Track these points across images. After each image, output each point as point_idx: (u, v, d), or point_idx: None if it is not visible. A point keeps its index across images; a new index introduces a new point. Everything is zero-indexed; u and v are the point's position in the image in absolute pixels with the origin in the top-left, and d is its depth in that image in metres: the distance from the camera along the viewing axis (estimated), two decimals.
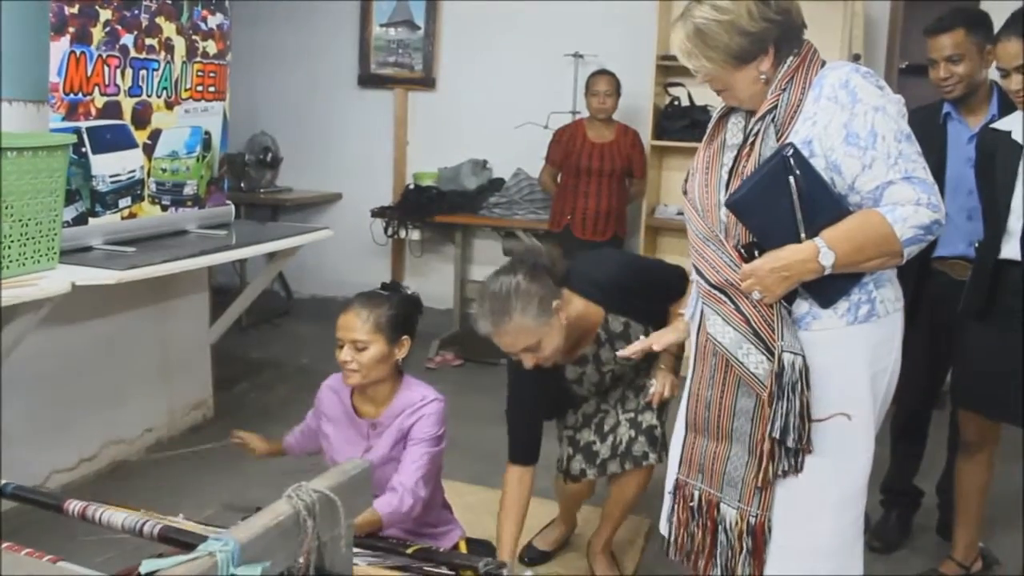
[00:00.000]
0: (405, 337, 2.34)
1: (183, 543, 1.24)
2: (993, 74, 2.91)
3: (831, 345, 1.91)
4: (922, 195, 1.80)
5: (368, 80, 5.90)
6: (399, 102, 5.87)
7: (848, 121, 1.83)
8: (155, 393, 3.86)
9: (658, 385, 2.57)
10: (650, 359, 2.66)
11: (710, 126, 2.09)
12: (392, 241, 5.71)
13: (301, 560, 1.15)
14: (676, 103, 5.05)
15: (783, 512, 1.95)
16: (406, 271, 6.00)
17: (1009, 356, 2.53)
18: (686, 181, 2.11)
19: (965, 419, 2.79)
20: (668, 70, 5.00)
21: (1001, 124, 2.60)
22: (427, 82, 5.78)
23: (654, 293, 2.59)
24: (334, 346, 2.35)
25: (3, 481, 1.48)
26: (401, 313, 2.34)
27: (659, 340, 2.28)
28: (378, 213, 5.49)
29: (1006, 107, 2.75)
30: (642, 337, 2.36)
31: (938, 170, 2.94)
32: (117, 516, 1.33)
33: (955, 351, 2.80)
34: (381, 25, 5.82)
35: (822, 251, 1.81)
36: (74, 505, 1.38)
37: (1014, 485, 2.92)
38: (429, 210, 5.35)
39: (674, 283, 2.57)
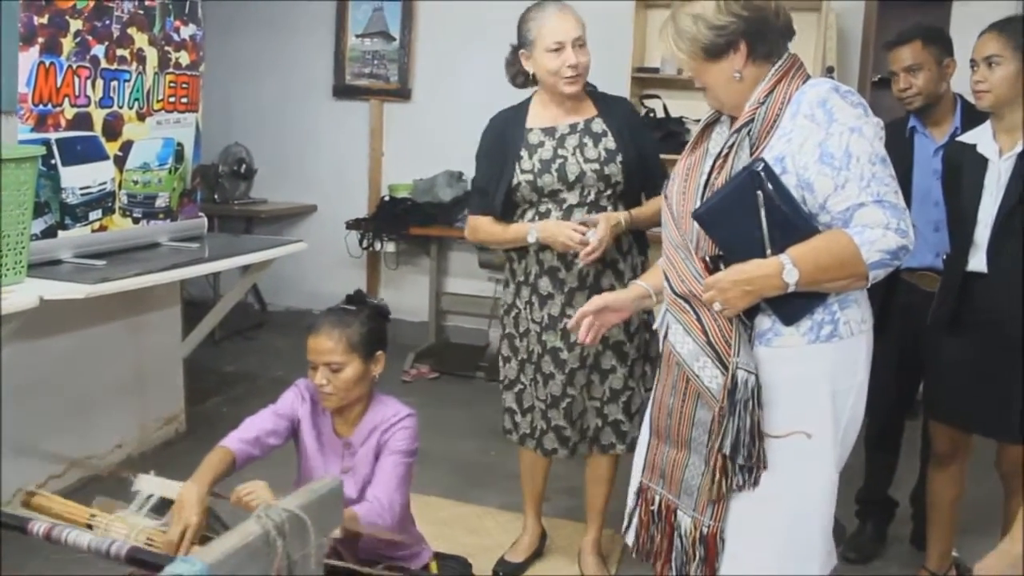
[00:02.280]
0: (380, 352, 2.30)
1: (150, 564, 1.22)
2: (955, 87, 2.97)
3: (791, 362, 1.91)
4: (892, 220, 1.80)
5: (343, 91, 5.88)
6: (374, 113, 5.85)
7: (823, 140, 1.83)
8: (126, 408, 3.82)
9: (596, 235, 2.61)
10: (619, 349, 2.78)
11: (695, 132, 2.11)
12: (367, 253, 5.68)
13: None
14: (652, 115, 5.06)
15: (736, 524, 1.96)
16: (381, 283, 5.97)
17: (979, 368, 2.56)
18: (666, 186, 2.12)
19: (936, 430, 2.81)
20: (643, 82, 5.03)
21: (967, 137, 2.65)
22: (403, 93, 5.77)
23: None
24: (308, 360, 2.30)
25: None
26: (373, 328, 2.29)
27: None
28: (353, 225, 5.47)
29: (970, 120, 2.80)
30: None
31: (905, 182, 2.98)
32: (83, 537, 1.31)
33: (926, 363, 2.83)
34: (356, 36, 5.81)
35: (786, 268, 1.81)
36: (38, 526, 1.35)
37: (986, 494, 2.95)
38: (404, 222, 5.33)
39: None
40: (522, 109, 2.82)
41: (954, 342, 2.63)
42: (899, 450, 3.22)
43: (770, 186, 1.82)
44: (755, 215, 1.83)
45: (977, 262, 2.54)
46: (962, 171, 2.60)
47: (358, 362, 2.23)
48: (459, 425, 4.25)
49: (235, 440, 2.22)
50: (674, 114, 5.00)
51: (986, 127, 2.58)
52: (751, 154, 1.89)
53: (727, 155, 1.92)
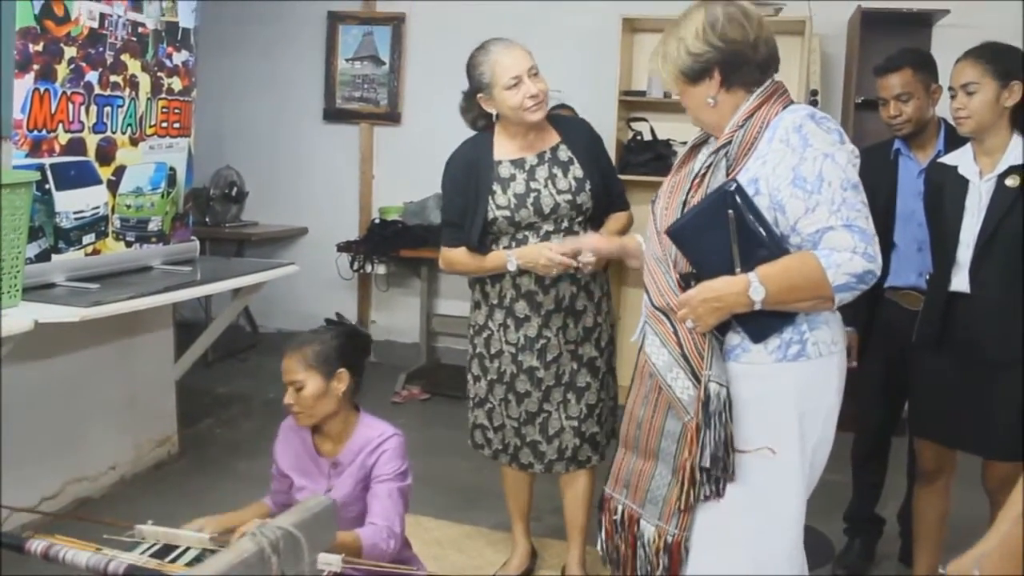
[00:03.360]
0: (342, 370, 2.31)
1: None
2: (940, 111, 3.03)
3: (758, 379, 1.96)
4: (859, 244, 1.85)
5: (334, 114, 5.93)
6: (364, 137, 5.90)
7: (797, 164, 1.89)
8: (119, 429, 3.83)
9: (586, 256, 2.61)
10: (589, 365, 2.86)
11: (682, 154, 2.18)
12: (358, 275, 5.71)
13: None
14: (639, 137, 5.13)
15: (700, 535, 2.00)
16: (372, 305, 6.00)
17: (963, 385, 2.59)
18: (653, 202, 2.18)
19: (922, 448, 2.84)
20: (631, 105, 5.09)
21: (948, 159, 2.69)
22: (392, 117, 5.83)
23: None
24: None
25: None
26: (336, 346, 2.33)
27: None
28: (344, 248, 5.50)
29: (952, 143, 2.85)
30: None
31: (889, 204, 3.04)
32: (81, 555, 1.33)
33: (911, 381, 2.87)
34: (347, 60, 5.87)
35: (753, 285, 1.87)
36: (36, 544, 1.38)
37: (973, 511, 2.98)
38: (395, 244, 5.36)
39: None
40: (486, 141, 2.85)
41: (937, 360, 2.66)
42: (886, 468, 3.25)
43: (741, 206, 1.88)
44: (725, 234, 1.89)
45: (959, 282, 2.58)
46: (944, 192, 2.65)
47: (318, 379, 2.28)
48: (450, 446, 4.26)
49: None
50: (661, 136, 5.06)
51: (967, 149, 2.63)
52: (727, 175, 1.95)
53: (704, 175, 2.00)
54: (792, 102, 2.01)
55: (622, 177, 5.03)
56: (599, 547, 2.22)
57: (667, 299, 2.00)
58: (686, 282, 1.96)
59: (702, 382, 1.92)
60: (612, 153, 4.99)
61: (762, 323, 1.93)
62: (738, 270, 1.89)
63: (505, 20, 5.19)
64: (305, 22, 5.86)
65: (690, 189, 2.02)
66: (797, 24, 4.68)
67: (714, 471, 1.93)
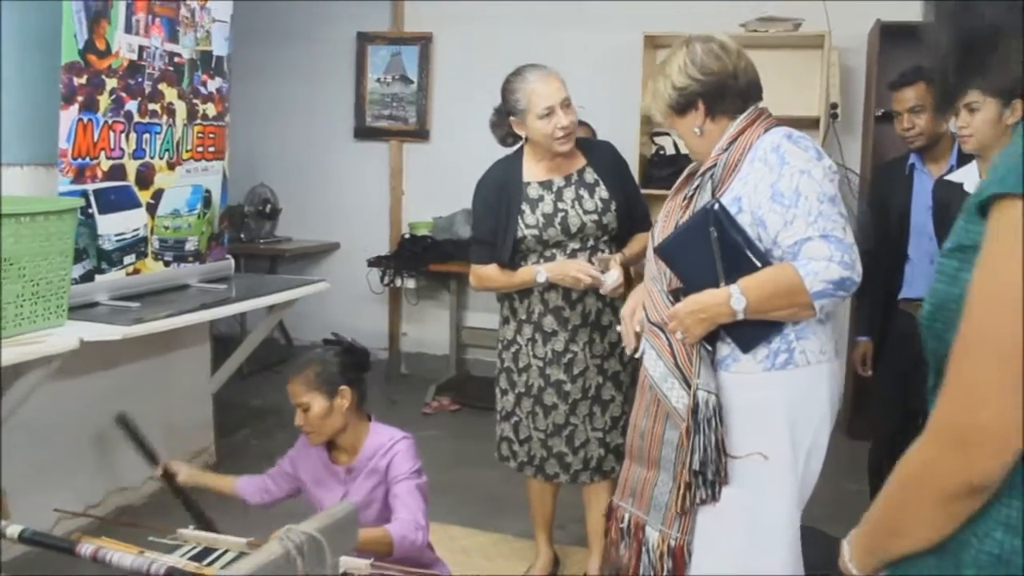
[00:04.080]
0: (343, 387, 2.42)
1: None
2: (954, 127, 3.10)
3: (749, 388, 2.07)
4: (836, 252, 1.96)
5: (364, 132, 6.08)
6: (394, 153, 6.04)
7: (775, 181, 2.01)
8: (159, 441, 3.92)
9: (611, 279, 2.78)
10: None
11: (679, 181, 2.31)
12: (389, 289, 5.84)
13: None
14: (662, 152, 5.22)
15: (700, 537, 2.10)
16: (403, 318, 6.14)
17: None
18: (653, 226, 2.31)
19: None
20: (653, 120, 5.16)
21: (954, 176, 2.77)
22: (421, 134, 5.96)
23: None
24: None
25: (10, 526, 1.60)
26: (336, 363, 2.44)
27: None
28: (375, 263, 5.63)
29: (964, 157, 2.92)
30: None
31: (904, 217, 3.11)
32: (126, 558, 1.46)
33: (923, 389, 2.93)
34: (376, 80, 6.01)
35: (734, 296, 1.98)
36: (85, 548, 1.50)
37: None
38: (424, 259, 5.49)
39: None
40: (515, 163, 2.98)
41: None
42: None
43: (724, 223, 2.00)
44: (709, 250, 2.01)
45: None
46: (950, 209, 2.72)
47: (321, 399, 2.39)
48: (478, 456, 4.36)
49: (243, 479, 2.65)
50: (683, 151, 5.14)
51: (972, 166, 2.71)
52: (712, 195, 2.07)
53: (692, 196, 2.13)
54: (775, 125, 2.13)
55: (645, 191, 5.14)
56: (601, 555, 2.33)
57: (661, 314, 2.13)
58: (676, 297, 2.09)
59: (691, 390, 2.04)
60: (635, 168, 5.08)
61: (750, 333, 2.04)
62: (722, 283, 2.00)
63: (528, 38, 5.34)
64: (335, 43, 6.02)
65: (682, 212, 2.14)
66: (816, 39, 4.77)
67: (705, 474, 2.04)
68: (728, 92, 2.13)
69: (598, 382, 2.94)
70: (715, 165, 2.11)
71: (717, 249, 1.99)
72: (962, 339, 1.01)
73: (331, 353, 2.48)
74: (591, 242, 2.90)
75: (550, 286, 2.88)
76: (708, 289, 2.02)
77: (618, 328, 2.51)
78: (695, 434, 2.03)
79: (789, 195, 2.00)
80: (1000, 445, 0.97)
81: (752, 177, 2.05)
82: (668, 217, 2.22)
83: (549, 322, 2.93)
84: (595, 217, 2.89)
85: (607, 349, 2.94)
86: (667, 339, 2.12)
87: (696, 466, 2.03)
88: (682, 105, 2.15)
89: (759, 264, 2.01)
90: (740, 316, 1.99)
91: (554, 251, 2.89)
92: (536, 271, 2.85)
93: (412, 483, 2.40)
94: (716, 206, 2.01)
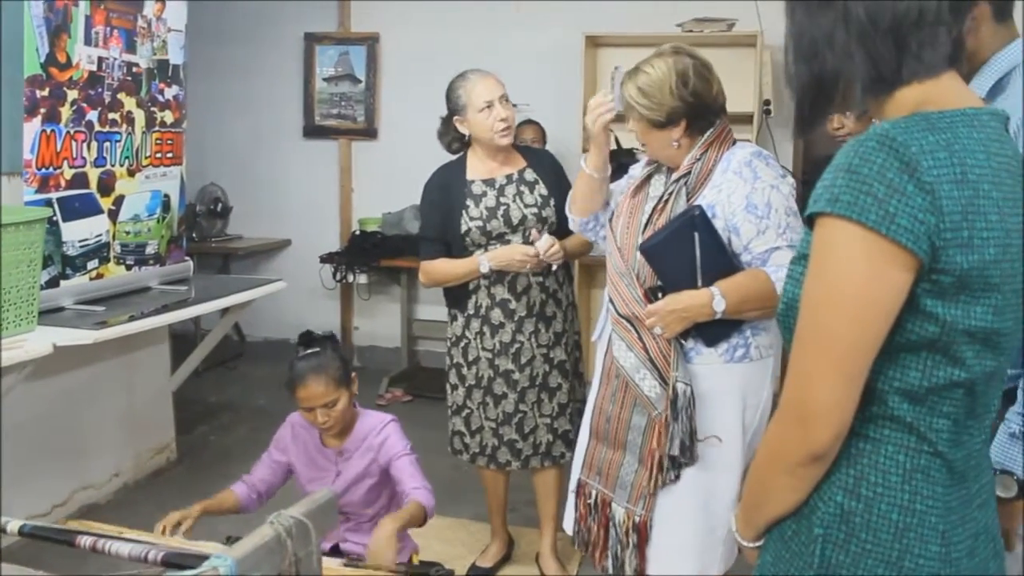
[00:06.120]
0: (353, 375, 2.65)
1: (184, 565, 1.52)
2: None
3: (709, 378, 2.28)
4: None
5: (313, 131, 6.16)
6: (343, 152, 6.14)
7: (749, 193, 2.21)
8: (121, 440, 4.08)
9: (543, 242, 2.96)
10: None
11: (638, 180, 2.46)
12: (341, 285, 5.94)
13: (283, 573, 1.45)
14: None
15: (661, 514, 2.32)
16: (355, 313, 6.25)
17: None
18: (611, 220, 2.47)
19: None
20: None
21: None
22: (369, 132, 6.07)
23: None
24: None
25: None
26: (339, 357, 2.62)
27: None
28: (327, 259, 5.73)
29: None
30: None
31: None
32: (124, 547, 1.60)
33: None
34: (324, 79, 6.10)
35: (716, 298, 2.18)
36: (85, 539, 1.64)
37: None
38: (375, 254, 5.60)
39: None
40: (459, 164, 3.17)
41: None
42: None
43: (704, 229, 2.19)
44: (691, 252, 2.20)
45: None
46: None
47: (345, 392, 2.59)
48: (432, 445, 4.49)
49: (240, 484, 2.70)
50: (625, 146, 5.32)
51: None
52: (687, 201, 2.25)
53: (667, 200, 2.29)
54: (735, 140, 2.33)
55: None
56: (571, 530, 2.52)
57: (631, 309, 2.30)
58: (653, 295, 2.26)
59: (670, 382, 2.23)
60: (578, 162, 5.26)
61: (716, 330, 2.25)
62: (700, 284, 2.19)
63: (473, 39, 5.49)
64: (283, 44, 6.10)
65: (653, 212, 2.31)
66: (749, 38, 4.97)
67: (682, 459, 2.25)
68: (709, 112, 2.31)
69: (545, 370, 3.12)
70: (688, 173, 2.28)
71: (698, 252, 2.18)
72: (798, 333, 1.23)
73: (329, 348, 2.63)
74: (531, 235, 3.08)
75: (496, 280, 3.06)
76: (686, 289, 2.20)
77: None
78: (674, 422, 2.23)
79: (762, 207, 2.20)
80: (831, 419, 1.18)
81: (726, 187, 2.24)
82: (632, 214, 2.37)
83: (496, 315, 3.10)
84: (535, 210, 3.08)
85: (552, 339, 3.13)
86: (637, 332, 2.30)
87: (676, 451, 2.23)
88: (663, 123, 2.28)
89: (732, 268, 2.20)
90: (719, 316, 2.19)
91: (496, 243, 3.07)
92: (479, 260, 3.03)
93: (412, 457, 2.61)
94: (699, 212, 2.19)
